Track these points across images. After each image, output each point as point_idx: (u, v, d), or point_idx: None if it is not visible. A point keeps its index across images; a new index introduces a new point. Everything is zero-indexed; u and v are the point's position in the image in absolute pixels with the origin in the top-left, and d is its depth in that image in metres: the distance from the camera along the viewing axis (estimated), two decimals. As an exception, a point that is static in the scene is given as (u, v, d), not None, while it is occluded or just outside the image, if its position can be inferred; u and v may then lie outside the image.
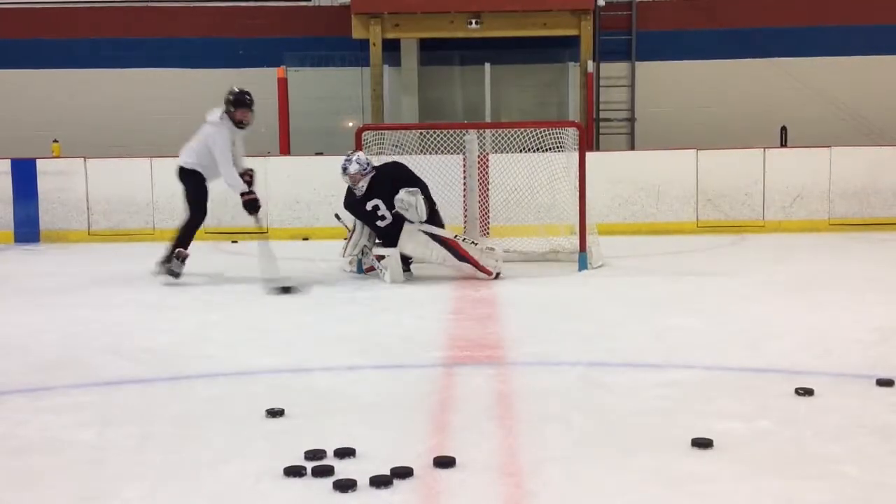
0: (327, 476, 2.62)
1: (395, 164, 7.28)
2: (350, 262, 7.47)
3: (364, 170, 6.94)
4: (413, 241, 6.82)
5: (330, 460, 2.76)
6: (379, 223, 6.96)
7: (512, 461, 2.80)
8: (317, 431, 3.09)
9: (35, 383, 3.88)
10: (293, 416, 3.29)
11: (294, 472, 2.66)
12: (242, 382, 3.90)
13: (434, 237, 6.84)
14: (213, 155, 7.04)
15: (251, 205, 7.02)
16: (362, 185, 6.94)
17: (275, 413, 3.27)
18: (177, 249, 7.08)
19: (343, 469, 2.67)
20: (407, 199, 6.72)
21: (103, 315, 5.60)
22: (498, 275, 6.88)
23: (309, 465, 2.69)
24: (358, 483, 2.55)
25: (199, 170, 7.10)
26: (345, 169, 7.00)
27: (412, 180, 6.98)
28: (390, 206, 6.87)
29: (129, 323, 5.32)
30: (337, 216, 7.54)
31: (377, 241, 7.12)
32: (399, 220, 6.87)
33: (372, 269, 7.15)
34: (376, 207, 6.93)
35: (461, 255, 6.85)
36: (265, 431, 3.11)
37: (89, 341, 4.78)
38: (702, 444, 2.87)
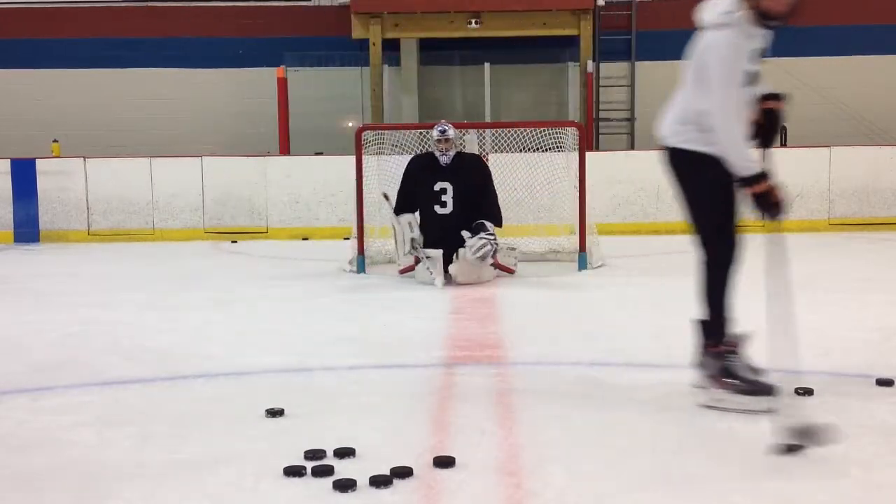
0: (327, 476, 2.62)
1: (481, 160, 7.04)
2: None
3: (458, 139, 6.80)
4: (472, 268, 6.51)
5: (330, 460, 2.76)
6: (437, 208, 6.71)
7: (512, 461, 2.79)
8: (317, 431, 3.09)
9: (35, 383, 3.88)
10: (293, 416, 3.29)
11: (294, 472, 2.66)
12: (242, 382, 3.90)
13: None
14: (711, 84, 3.36)
15: (764, 200, 3.31)
16: (451, 154, 6.75)
17: (275, 413, 3.27)
18: (712, 321, 3.70)
19: (343, 469, 2.67)
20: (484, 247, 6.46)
21: (103, 315, 5.60)
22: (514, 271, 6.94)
23: (309, 465, 2.69)
24: (358, 483, 2.55)
25: (704, 148, 3.39)
26: (444, 132, 6.74)
27: (489, 188, 6.78)
28: (457, 196, 6.68)
29: (129, 323, 5.31)
30: (385, 196, 7.15)
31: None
32: (460, 212, 6.64)
33: (410, 269, 6.82)
34: (443, 191, 6.71)
35: (494, 264, 6.78)
36: (265, 431, 3.11)
37: (89, 341, 4.78)
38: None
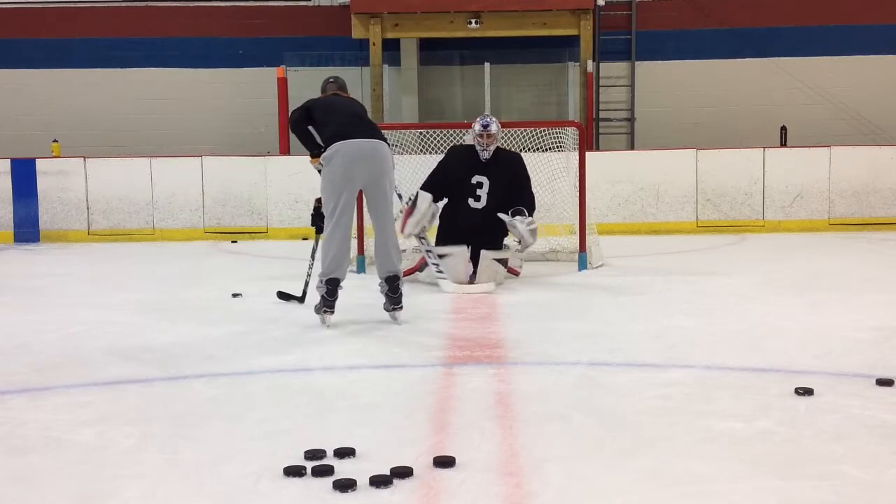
0: (327, 476, 2.62)
1: (520, 159, 6.82)
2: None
3: (499, 133, 6.65)
4: (490, 269, 6.44)
5: (330, 460, 2.76)
6: (471, 202, 6.58)
7: (512, 461, 2.79)
8: (317, 431, 3.09)
9: (35, 383, 3.88)
10: (293, 416, 3.29)
11: (294, 472, 2.66)
12: (242, 382, 3.90)
13: (500, 261, 6.57)
14: None
15: None
16: (491, 149, 6.58)
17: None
18: None
19: (343, 469, 2.67)
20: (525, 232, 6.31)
21: (103, 315, 5.60)
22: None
23: (309, 465, 2.69)
24: (358, 483, 2.55)
25: None
26: (486, 126, 6.53)
27: (528, 187, 6.64)
28: (492, 192, 6.55)
29: (129, 323, 5.32)
30: (398, 194, 6.87)
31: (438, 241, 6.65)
32: (493, 209, 6.50)
33: (413, 270, 6.69)
34: (479, 185, 6.57)
35: (507, 268, 6.70)
36: (265, 431, 3.11)
37: (89, 341, 4.78)
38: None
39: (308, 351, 4.49)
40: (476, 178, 6.61)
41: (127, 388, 3.81)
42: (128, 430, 3.15)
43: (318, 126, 5.28)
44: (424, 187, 6.67)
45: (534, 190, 7.26)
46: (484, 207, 6.61)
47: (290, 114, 5.45)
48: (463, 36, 12.32)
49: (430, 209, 6.47)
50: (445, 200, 6.77)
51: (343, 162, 5.04)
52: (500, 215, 6.43)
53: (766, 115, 12.91)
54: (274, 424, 3.19)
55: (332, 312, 5.11)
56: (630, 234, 10.54)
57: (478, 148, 6.65)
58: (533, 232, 6.41)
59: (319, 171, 5.30)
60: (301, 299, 5.86)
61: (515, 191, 6.62)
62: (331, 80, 5.65)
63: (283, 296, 5.94)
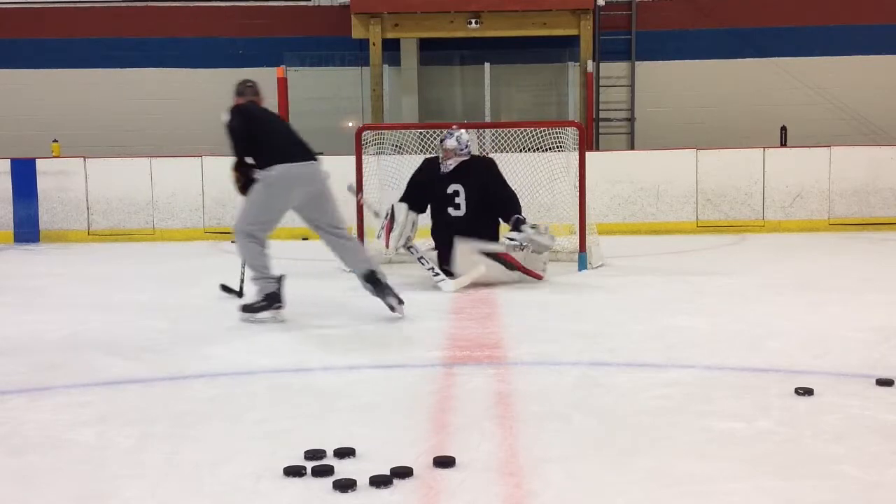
0: (327, 476, 2.62)
1: (492, 162, 6.92)
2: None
3: (461, 149, 6.65)
4: (469, 261, 6.41)
5: (330, 460, 2.76)
6: (451, 210, 6.66)
7: (512, 461, 2.79)
8: (317, 431, 3.09)
9: (35, 383, 3.88)
10: (293, 416, 3.29)
11: (294, 472, 2.66)
12: (242, 382, 3.90)
13: (489, 254, 6.50)
14: None
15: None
16: (450, 164, 6.65)
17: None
18: None
19: (343, 469, 2.67)
20: (533, 238, 6.33)
21: (103, 315, 5.60)
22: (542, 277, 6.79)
23: (309, 465, 2.69)
24: (358, 483, 2.55)
25: None
26: (442, 141, 6.71)
27: (504, 187, 6.67)
28: (470, 199, 6.61)
29: (129, 323, 5.32)
30: (351, 188, 7.02)
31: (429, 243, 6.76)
32: (473, 215, 6.58)
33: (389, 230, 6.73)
34: (456, 193, 6.65)
35: (511, 265, 6.58)
36: (265, 431, 3.11)
37: (89, 341, 4.78)
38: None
39: (308, 351, 4.49)
40: (452, 188, 6.67)
41: (127, 388, 3.81)
42: (128, 430, 3.15)
43: (254, 138, 5.24)
44: (403, 197, 6.80)
45: (534, 190, 7.25)
46: (465, 214, 6.66)
47: (229, 118, 5.24)
48: (463, 36, 12.32)
49: (409, 218, 6.62)
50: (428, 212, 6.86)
51: (285, 185, 5.23)
52: (504, 241, 6.42)
53: (766, 115, 12.91)
54: (274, 424, 3.19)
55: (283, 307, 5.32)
56: (630, 234, 10.54)
57: (440, 159, 6.76)
58: (548, 236, 6.43)
59: (242, 180, 5.32)
60: (240, 293, 5.97)
61: (492, 194, 6.65)
62: (248, 83, 5.54)
63: (225, 289, 6.10)
